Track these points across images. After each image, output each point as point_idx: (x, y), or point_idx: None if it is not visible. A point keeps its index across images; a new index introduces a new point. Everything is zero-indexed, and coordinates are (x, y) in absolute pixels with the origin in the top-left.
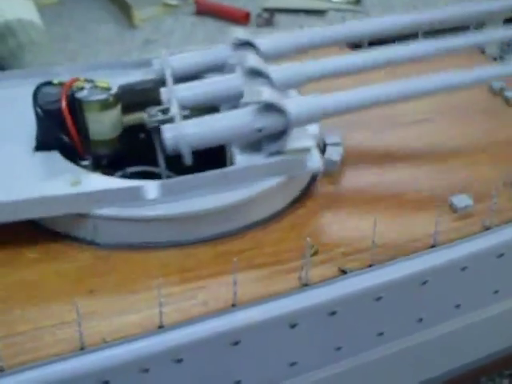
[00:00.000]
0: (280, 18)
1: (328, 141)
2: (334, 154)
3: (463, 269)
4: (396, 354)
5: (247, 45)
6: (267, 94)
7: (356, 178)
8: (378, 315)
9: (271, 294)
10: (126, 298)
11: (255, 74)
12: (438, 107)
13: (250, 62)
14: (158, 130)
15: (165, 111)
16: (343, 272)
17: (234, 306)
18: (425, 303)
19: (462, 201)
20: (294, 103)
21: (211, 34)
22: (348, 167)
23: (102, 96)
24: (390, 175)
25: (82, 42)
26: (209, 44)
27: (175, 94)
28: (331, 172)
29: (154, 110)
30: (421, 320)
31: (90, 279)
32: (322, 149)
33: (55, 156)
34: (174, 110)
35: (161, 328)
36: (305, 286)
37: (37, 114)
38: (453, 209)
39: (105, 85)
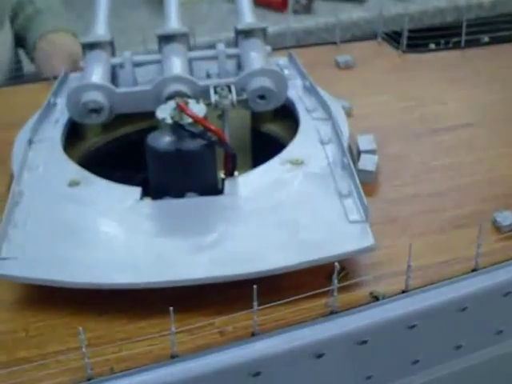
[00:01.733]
0: (318, 5)
1: (362, 147)
2: (368, 163)
3: (506, 294)
4: (431, 382)
5: None
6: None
7: (390, 191)
8: (412, 343)
9: (295, 322)
10: (137, 323)
11: None
12: (479, 111)
13: None
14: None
15: None
16: (375, 298)
17: (254, 335)
18: (464, 330)
19: (506, 218)
20: None
21: None
22: (382, 178)
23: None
24: (427, 187)
25: (114, 28)
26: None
27: None
28: (364, 183)
29: None
30: (459, 347)
31: (97, 300)
32: (356, 156)
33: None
34: None
35: (174, 358)
36: (332, 313)
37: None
38: (496, 227)
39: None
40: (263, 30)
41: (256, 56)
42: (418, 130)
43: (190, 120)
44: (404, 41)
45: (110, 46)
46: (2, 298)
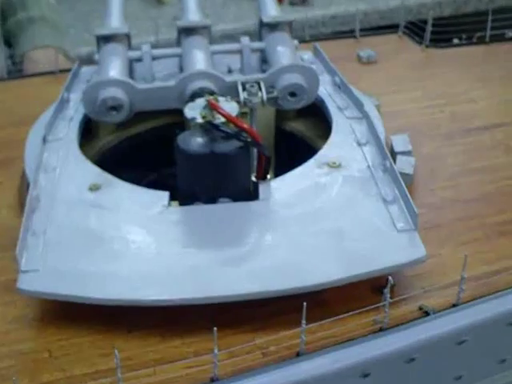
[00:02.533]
0: None
1: (397, 148)
2: (405, 165)
3: None
4: None
5: None
6: None
7: (428, 195)
8: (459, 359)
9: (342, 341)
10: (170, 342)
11: None
12: (510, 110)
13: None
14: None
15: None
16: (425, 313)
17: (300, 356)
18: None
19: None
20: None
21: (242, 13)
22: (418, 181)
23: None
24: (466, 191)
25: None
26: (239, 22)
27: None
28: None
29: None
30: (504, 361)
31: (126, 316)
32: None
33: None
34: None
35: (214, 381)
36: (381, 330)
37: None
38: None
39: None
40: (289, 23)
41: (284, 51)
42: (450, 129)
43: (221, 119)
44: (428, 36)
45: (127, 39)
46: (22, 313)
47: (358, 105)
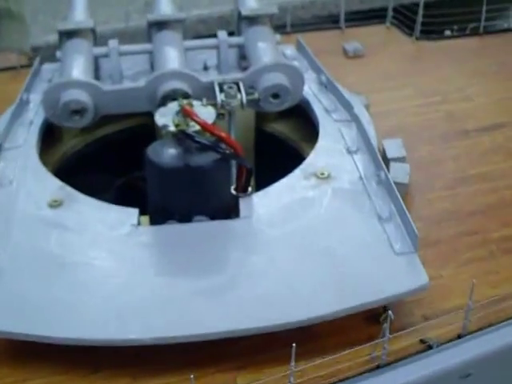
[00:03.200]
0: None
1: (390, 154)
2: (400, 173)
3: None
4: None
5: None
6: None
7: (425, 206)
8: None
9: (336, 381)
10: (145, 383)
11: None
12: (510, 108)
13: None
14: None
15: None
16: (428, 347)
17: None
18: None
19: None
20: None
21: None
22: (413, 190)
23: None
24: (467, 202)
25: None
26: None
27: None
28: None
29: None
30: None
31: (92, 354)
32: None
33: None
34: None
35: None
36: (379, 367)
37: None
38: None
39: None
40: (271, 16)
41: (265, 47)
42: (446, 131)
43: (196, 127)
44: (418, 27)
45: (92, 34)
46: None
47: (347, 106)
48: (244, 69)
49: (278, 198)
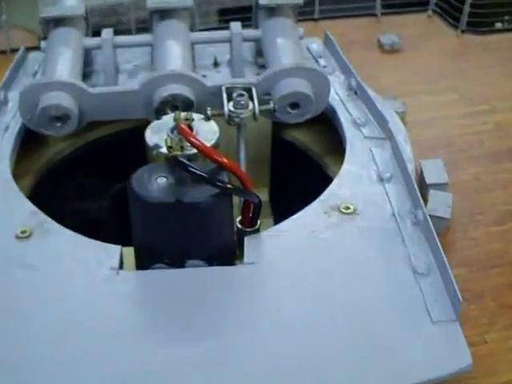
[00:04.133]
0: None
1: (429, 178)
2: (440, 205)
3: None
4: None
5: None
6: None
7: (469, 247)
8: None
9: None
10: None
11: None
12: None
13: None
14: None
15: None
16: None
17: None
18: None
19: None
20: None
21: None
22: (456, 225)
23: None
24: None
25: None
26: None
27: None
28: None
29: None
30: None
31: None
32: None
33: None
34: None
35: None
36: None
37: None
38: None
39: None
40: (294, 7)
41: (285, 44)
42: (495, 149)
43: (194, 149)
44: (465, 18)
45: (84, 22)
46: None
47: (380, 120)
48: (261, 66)
49: (291, 239)
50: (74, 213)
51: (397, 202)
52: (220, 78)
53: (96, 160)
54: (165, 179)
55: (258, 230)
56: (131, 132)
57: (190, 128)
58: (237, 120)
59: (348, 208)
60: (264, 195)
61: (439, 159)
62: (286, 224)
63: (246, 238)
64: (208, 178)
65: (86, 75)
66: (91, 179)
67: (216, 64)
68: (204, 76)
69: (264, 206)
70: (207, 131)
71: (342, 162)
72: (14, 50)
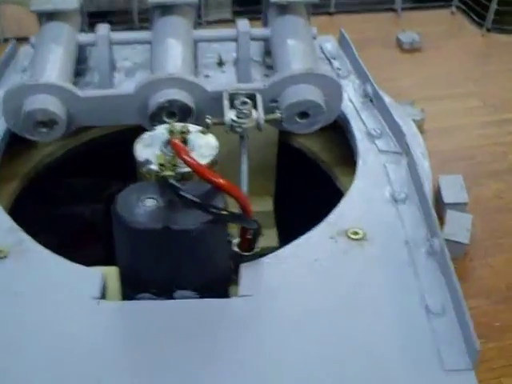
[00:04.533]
0: None
1: (447, 197)
2: (459, 228)
3: None
4: None
5: None
6: None
7: (490, 277)
8: None
9: None
10: None
11: None
12: None
13: None
14: None
15: None
16: None
17: None
18: None
19: None
20: None
21: None
22: (475, 249)
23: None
24: None
25: None
26: None
27: None
28: (454, 258)
29: None
30: None
31: None
32: (438, 210)
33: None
34: None
35: None
36: None
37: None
38: None
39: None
40: (307, 5)
41: (295, 46)
42: None
43: (186, 168)
44: (491, 15)
45: (79, 16)
46: None
47: (397, 133)
48: (269, 67)
49: (292, 267)
50: (67, 217)
51: (411, 228)
52: (224, 78)
53: (90, 162)
54: (154, 201)
55: (256, 255)
56: (127, 132)
57: (185, 142)
58: (239, 130)
59: (357, 233)
60: (268, 205)
61: (459, 175)
62: (287, 250)
63: (242, 267)
64: (200, 204)
65: (80, 73)
66: (85, 182)
67: (221, 63)
68: (207, 76)
69: (267, 217)
70: (204, 146)
71: (352, 173)
72: (7, 40)
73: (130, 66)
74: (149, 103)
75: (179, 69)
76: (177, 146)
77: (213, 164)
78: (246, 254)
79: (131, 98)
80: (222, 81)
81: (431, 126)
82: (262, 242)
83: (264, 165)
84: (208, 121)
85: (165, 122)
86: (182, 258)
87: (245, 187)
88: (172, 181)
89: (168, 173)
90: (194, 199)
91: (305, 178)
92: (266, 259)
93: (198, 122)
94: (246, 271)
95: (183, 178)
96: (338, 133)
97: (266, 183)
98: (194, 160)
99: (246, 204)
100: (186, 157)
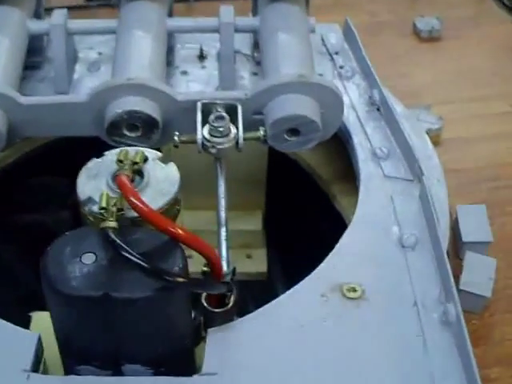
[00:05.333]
0: None
1: (467, 236)
2: (479, 276)
3: None
4: None
5: None
6: None
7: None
8: None
9: None
10: None
11: None
12: None
13: None
14: None
15: None
16: None
17: None
18: None
19: None
20: None
21: None
22: (497, 303)
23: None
24: None
25: None
26: None
27: None
28: (473, 312)
29: None
30: None
31: None
32: (455, 247)
33: None
34: None
35: None
36: None
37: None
38: None
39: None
40: None
41: (288, 44)
42: None
43: (134, 213)
44: None
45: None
46: None
47: (409, 155)
48: (259, 63)
49: (272, 335)
50: (28, 225)
51: (421, 284)
52: (205, 76)
53: (51, 165)
54: (93, 257)
55: (231, 313)
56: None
57: (141, 173)
58: (213, 152)
59: (354, 290)
60: (257, 222)
61: (482, 205)
62: (266, 312)
63: (209, 333)
64: (149, 269)
65: (36, 65)
66: (46, 188)
67: (202, 56)
68: (185, 73)
69: (256, 235)
70: (163, 180)
71: (352, 192)
72: None
73: (95, 58)
74: (105, 114)
75: (145, 70)
76: (123, 185)
77: (175, 203)
78: (217, 310)
79: (84, 106)
80: (202, 78)
81: (450, 136)
82: (249, 267)
83: (253, 176)
84: (176, 138)
85: (126, 137)
86: (128, 329)
87: (223, 229)
88: (113, 235)
89: (109, 224)
90: (141, 262)
91: (299, 193)
92: (239, 323)
93: (166, 137)
94: (213, 340)
95: (134, 222)
96: (339, 144)
97: (256, 196)
98: (144, 204)
99: (214, 260)
100: (133, 200)
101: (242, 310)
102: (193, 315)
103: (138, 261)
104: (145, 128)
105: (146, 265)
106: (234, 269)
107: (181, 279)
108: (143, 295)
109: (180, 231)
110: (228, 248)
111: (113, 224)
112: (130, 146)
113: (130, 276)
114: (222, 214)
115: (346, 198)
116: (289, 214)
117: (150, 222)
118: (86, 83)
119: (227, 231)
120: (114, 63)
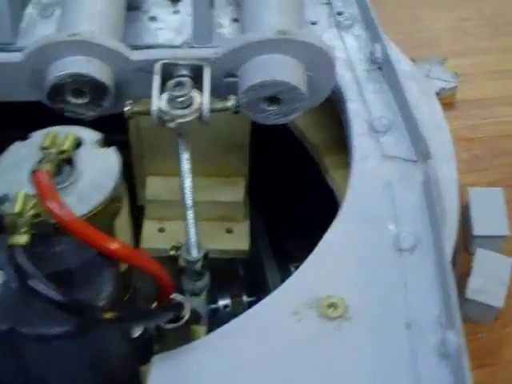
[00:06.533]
0: None
1: (478, 228)
2: (491, 282)
3: None
4: None
5: None
6: None
7: None
8: None
9: None
10: None
11: None
12: None
13: None
14: None
15: None
16: None
17: None
18: None
19: None
20: None
21: None
22: (510, 307)
23: None
24: None
25: None
26: None
27: None
28: (475, 322)
29: None
30: None
31: None
32: (464, 239)
33: None
34: None
35: None
36: None
37: None
38: None
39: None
40: None
41: None
42: None
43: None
44: None
45: None
46: None
47: (414, 131)
48: (236, 21)
49: (230, 365)
50: None
51: (418, 300)
52: (176, 22)
53: None
54: (2, 276)
55: (185, 328)
56: None
57: (71, 162)
58: (171, 126)
59: (335, 307)
60: (239, 192)
61: (498, 189)
62: (225, 333)
63: (153, 360)
64: (62, 303)
65: None
66: None
67: (176, 12)
68: (153, 19)
69: (238, 207)
70: (99, 171)
71: (347, 165)
72: None
73: (47, 1)
74: (46, 76)
75: (94, 21)
76: (39, 184)
77: (114, 200)
78: (168, 327)
79: (19, 67)
80: (173, 26)
81: (465, 97)
82: (230, 243)
83: (233, 139)
84: (126, 109)
85: (71, 104)
86: (43, 370)
87: (190, 211)
88: (19, 257)
89: (17, 239)
90: (51, 295)
91: (288, 162)
92: (190, 349)
93: (120, 103)
94: (158, 369)
95: (56, 230)
96: (333, 108)
97: (237, 163)
98: (66, 210)
99: (163, 280)
100: (50, 205)
101: (222, 295)
102: (140, 331)
103: (48, 293)
104: (93, 94)
105: (58, 298)
106: (206, 254)
107: (107, 315)
108: (59, 331)
109: (116, 245)
110: (197, 232)
111: (22, 239)
112: (76, 114)
113: (43, 306)
114: (189, 195)
115: (339, 172)
116: (275, 184)
117: (73, 233)
118: (37, 31)
119: (195, 213)
120: (62, 11)
